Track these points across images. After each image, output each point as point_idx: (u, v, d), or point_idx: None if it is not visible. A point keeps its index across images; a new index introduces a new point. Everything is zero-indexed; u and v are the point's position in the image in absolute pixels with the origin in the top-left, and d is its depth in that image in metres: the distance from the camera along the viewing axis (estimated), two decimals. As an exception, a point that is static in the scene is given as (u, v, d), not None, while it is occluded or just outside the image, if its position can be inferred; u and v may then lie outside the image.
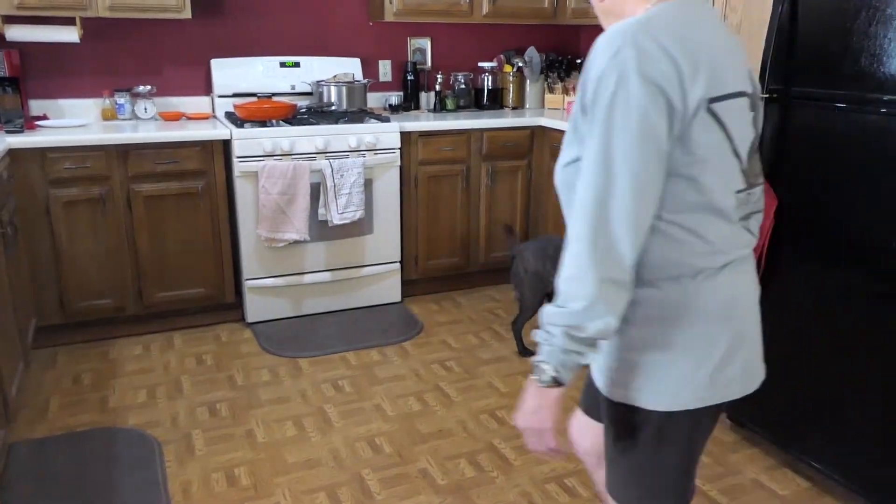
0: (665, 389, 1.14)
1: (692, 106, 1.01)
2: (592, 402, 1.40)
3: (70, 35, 3.23)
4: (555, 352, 1.07)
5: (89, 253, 3.08)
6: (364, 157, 3.38)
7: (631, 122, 0.99)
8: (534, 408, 1.14)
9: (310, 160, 3.27)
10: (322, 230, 3.39)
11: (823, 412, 2.18)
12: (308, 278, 3.45)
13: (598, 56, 1.03)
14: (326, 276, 3.49)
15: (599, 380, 1.24)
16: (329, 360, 3.09)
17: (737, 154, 1.09)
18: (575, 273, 1.04)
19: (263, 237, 3.27)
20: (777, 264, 2.27)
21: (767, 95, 2.21)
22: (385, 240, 3.57)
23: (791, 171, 2.21)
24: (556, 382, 1.09)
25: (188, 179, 3.18)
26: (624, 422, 1.20)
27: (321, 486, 2.23)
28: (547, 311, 1.08)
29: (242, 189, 3.22)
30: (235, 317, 3.47)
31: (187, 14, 3.26)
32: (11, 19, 3.14)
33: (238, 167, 3.19)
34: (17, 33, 3.15)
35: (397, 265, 3.66)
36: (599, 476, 1.48)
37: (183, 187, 3.17)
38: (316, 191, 3.31)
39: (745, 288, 1.17)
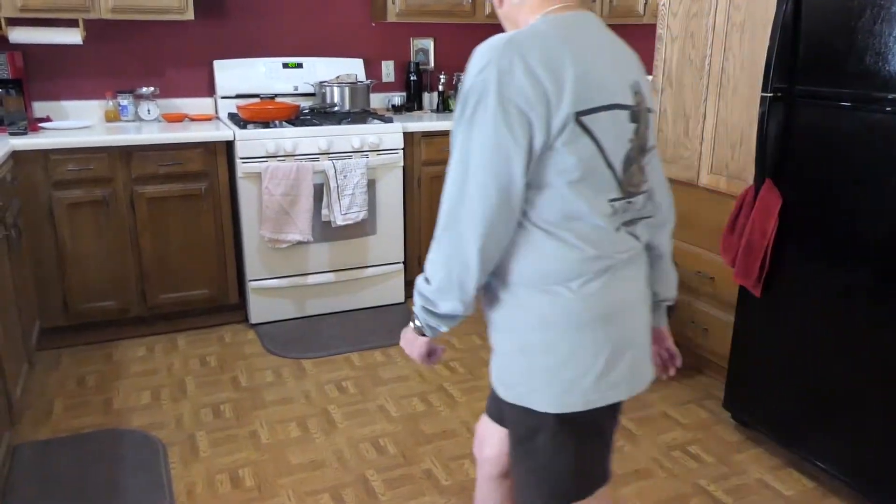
0: (555, 392, 1.18)
1: (558, 121, 1.06)
2: (497, 407, 1.42)
3: (73, 37, 3.23)
4: (419, 313, 1.23)
5: (93, 255, 3.09)
6: (367, 157, 3.38)
7: (486, 139, 1.06)
8: (409, 340, 1.30)
9: (313, 161, 3.27)
10: (325, 231, 3.39)
11: (829, 412, 2.17)
12: (311, 279, 3.45)
13: (470, 69, 1.10)
14: (330, 276, 3.49)
15: (495, 382, 1.28)
16: (333, 361, 3.09)
17: (609, 164, 1.13)
18: (433, 258, 1.17)
19: (267, 238, 3.27)
20: (782, 264, 2.26)
21: (772, 94, 2.20)
22: (388, 240, 3.57)
23: (795, 170, 2.20)
24: (422, 333, 1.26)
25: (191, 181, 3.18)
26: (521, 423, 1.25)
27: (325, 487, 2.22)
28: (417, 280, 1.22)
29: (246, 190, 3.22)
30: (239, 318, 3.47)
31: (190, 15, 3.26)
32: (14, 21, 3.14)
33: (241, 168, 3.19)
34: (20, 35, 3.16)
35: (401, 266, 3.66)
36: (486, 489, 1.55)
37: (186, 189, 3.18)
38: (319, 192, 3.31)
39: (628, 291, 1.21)
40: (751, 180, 2.37)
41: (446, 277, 1.15)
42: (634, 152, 1.17)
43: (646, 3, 3.37)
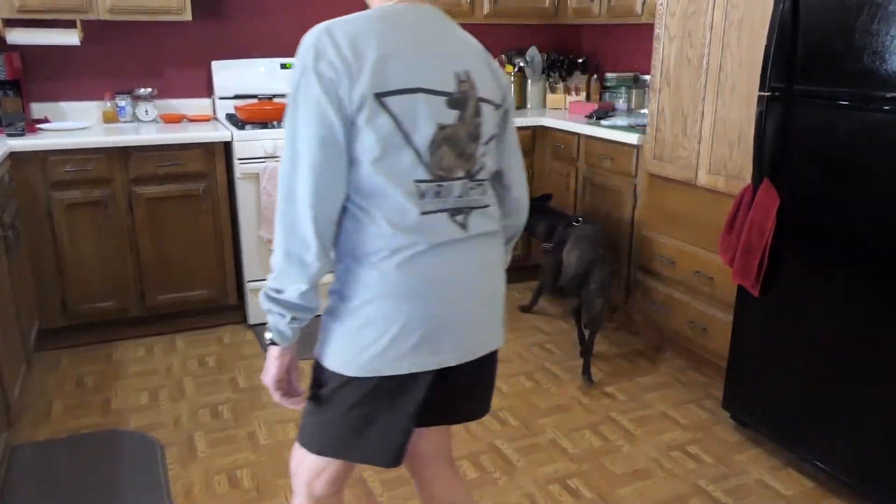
0: (343, 355, 1.26)
1: (357, 96, 1.14)
2: None
3: (71, 38, 3.23)
4: (268, 315, 1.25)
5: (91, 255, 3.08)
6: (365, 157, 3.37)
7: (309, 113, 1.15)
8: (265, 367, 1.33)
9: (311, 161, 3.26)
10: (324, 231, 3.38)
11: (828, 412, 2.17)
12: (310, 280, 3.44)
13: (299, 50, 1.19)
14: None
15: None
16: (331, 362, 3.08)
17: (411, 145, 1.18)
18: (274, 243, 1.22)
19: (265, 239, 3.27)
20: (780, 263, 2.26)
21: (770, 94, 2.20)
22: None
23: (794, 169, 2.20)
24: (272, 342, 1.28)
25: (189, 181, 3.18)
26: (314, 376, 1.33)
27: (324, 488, 2.22)
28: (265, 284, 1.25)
29: (244, 191, 3.22)
30: (237, 318, 3.47)
31: (188, 16, 3.26)
32: (12, 22, 3.14)
33: (239, 169, 3.19)
34: (17, 36, 3.16)
35: (399, 266, 3.65)
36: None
37: (184, 189, 3.17)
38: (317, 192, 3.30)
39: (442, 272, 1.24)
40: (749, 180, 2.37)
41: (285, 257, 1.19)
42: (454, 137, 1.22)
43: (644, 3, 3.36)
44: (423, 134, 1.19)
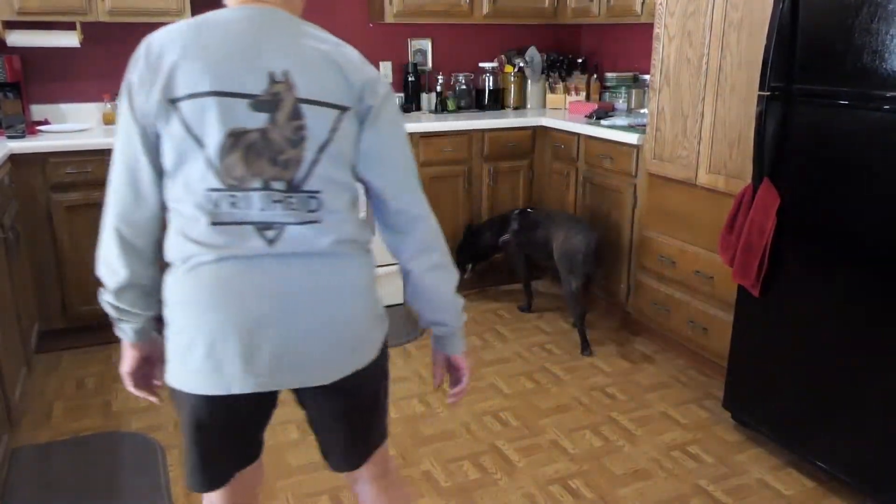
0: (169, 364, 1.24)
1: (153, 106, 1.12)
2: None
3: (70, 40, 3.23)
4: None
5: (92, 257, 3.02)
6: (365, 158, 3.37)
7: (120, 124, 1.17)
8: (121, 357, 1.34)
9: (311, 162, 3.26)
10: (324, 232, 3.38)
11: (829, 411, 2.17)
12: (310, 280, 3.44)
13: None
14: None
15: None
16: (332, 363, 3.08)
17: (204, 152, 1.12)
18: None
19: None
20: (780, 263, 2.26)
21: (769, 93, 2.20)
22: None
23: (794, 169, 2.20)
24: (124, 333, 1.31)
25: (190, 183, 3.18)
26: None
27: (324, 490, 2.22)
28: None
29: (244, 192, 3.22)
30: (238, 320, 3.46)
31: (188, 17, 3.26)
32: (12, 25, 3.15)
33: (239, 170, 3.18)
34: (17, 38, 3.16)
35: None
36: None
37: (184, 191, 3.17)
38: (317, 193, 3.30)
39: (231, 287, 1.15)
40: (749, 179, 2.37)
41: (100, 263, 1.24)
42: (259, 143, 1.12)
43: (643, 3, 3.36)
44: (213, 140, 1.12)
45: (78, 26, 3.24)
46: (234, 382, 1.18)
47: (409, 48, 4.10)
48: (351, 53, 1.20)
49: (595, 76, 4.12)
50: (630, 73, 3.95)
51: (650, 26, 3.07)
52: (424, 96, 4.10)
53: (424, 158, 3.58)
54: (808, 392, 2.22)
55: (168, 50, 1.13)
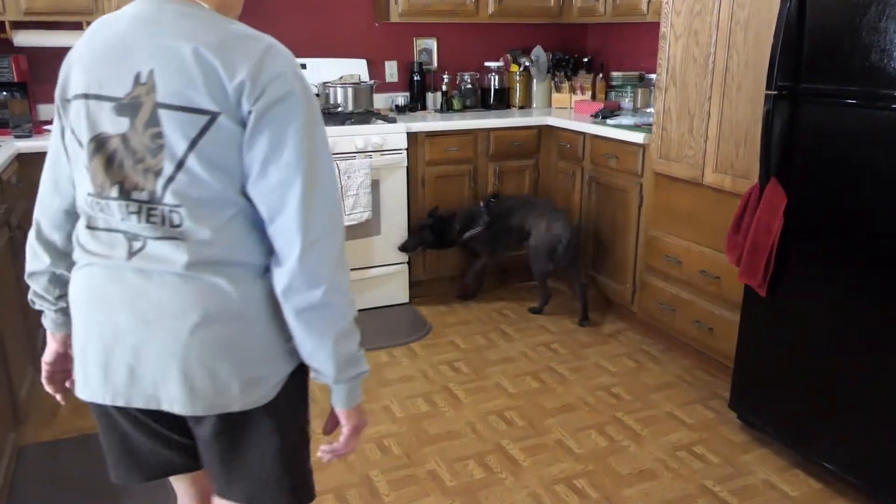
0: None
1: (57, 103, 1.13)
2: None
3: (77, 40, 3.24)
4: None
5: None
6: (371, 158, 3.38)
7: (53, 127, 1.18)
8: None
9: (316, 162, 3.27)
10: (329, 232, 3.38)
11: (836, 412, 2.16)
12: (316, 280, 3.44)
13: None
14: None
15: None
16: (337, 362, 3.08)
17: (84, 154, 1.09)
18: None
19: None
20: (787, 263, 2.25)
21: (776, 92, 2.19)
22: (393, 241, 3.57)
23: (801, 168, 2.19)
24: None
25: (195, 182, 3.18)
26: None
27: (330, 488, 2.22)
28: None
29: (249, 191, 3.22)
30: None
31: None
32: (19, 25, 3.16)
33: (245, 169, 3.18)
34: (24, 39, 3.17)
35: (405, 266, 3.66)
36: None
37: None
38: (323, 192, 3.30)
39: (95, 295, 1.11)
40: (756, 179, 2.36)
41: (27, 243, 1.27)
42: (119, 149, 1.04)
43: (649, 2, 3.35)
44: (85, 143, 1.08)
45: (85, 26, 3.24)
46: (97, 393, 1.14)
47: (414, 47, 4.10)
48: (245, 49, 1.04)
49: (601, 75, 4.11)
50: (636, 73, 3.94)
51: (656, 25, 3.06)
52: (430, 95, 4.10)
53: (429, 158, 3.58)
54: (816, 392, 2.21)
55: (74, 50, 1.12)
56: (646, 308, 3.24)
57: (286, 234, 1.05)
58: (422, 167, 3.58)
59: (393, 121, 3.53)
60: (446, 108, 4.03)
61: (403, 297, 3.70)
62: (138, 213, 1.05)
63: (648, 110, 3.58)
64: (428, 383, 2.90)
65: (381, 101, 3.98)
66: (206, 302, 1.06)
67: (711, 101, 2.72)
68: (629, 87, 3.90)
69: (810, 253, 2.19)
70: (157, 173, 1.03)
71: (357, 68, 3.84)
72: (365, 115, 3.55)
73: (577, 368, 3.03)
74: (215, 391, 1.09)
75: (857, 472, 2.12)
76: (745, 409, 2.53)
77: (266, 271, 1.09)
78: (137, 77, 1.02)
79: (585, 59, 4.25)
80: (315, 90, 3.69)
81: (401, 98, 4.03)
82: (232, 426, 1.14)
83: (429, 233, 3.54)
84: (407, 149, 3.48)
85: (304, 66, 3.73)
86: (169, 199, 1.04)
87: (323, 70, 3.75)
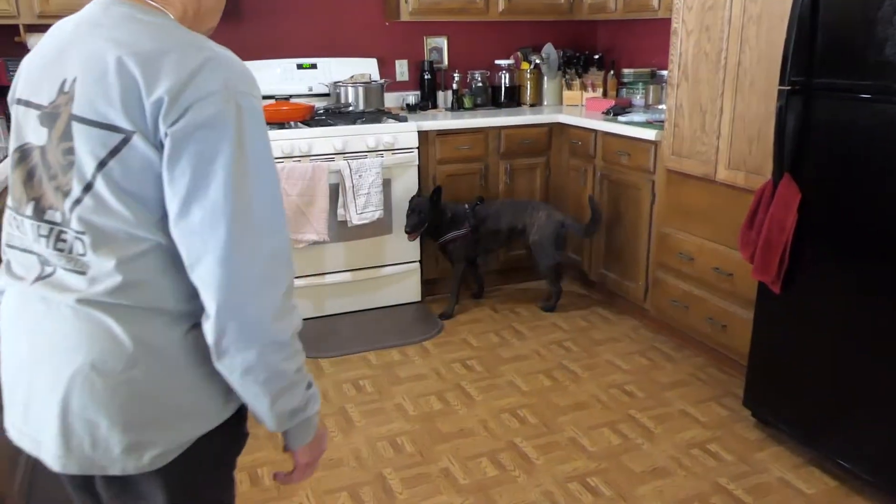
0: None
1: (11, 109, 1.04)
2: None
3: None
4: None
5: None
6: (382, 157, 3.39)
7: None
8: None
9: (328, 161, 3.28)
10: (341, 231, 3.40)
11: (851, 409, 2.14)
12: (328, 279, 3.47)
13: None
14: (347, 276, 3.50)
15: None
16: (350, 361, 3.10)
17: (10, 165, 1.00)
18: None
19: (291, 240, 3.28)
20: (801, 259, 2.24)
21: (789, 87, 2.17)
22: (404, 239, 3.57)
23: (814, 164, 2.17)
24: None
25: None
26: None
27: (343, 486, 2.23)
28: None
29: (262, 191, 3.24)
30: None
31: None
32: (33, 28, 3.19)
33: (257, 169, 3.20)
34: (38, 42, 3.19)
35: (417, 265, 3.66)
36: None
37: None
38: (335, 192, 3.32)
39: (8, 318, 1.01)
40: (769, 175, 2.34)
41: None
42: (37, 163, 0.95)
43: (661, -2, 3.34)
44: (10, 152, 0.99)
45: (98, 28, 3.27)
46: (7, 424, 1.01)
47: (424, 46, 4.10)
48: (178, 60, 0.88)
49: (612, 72, 4.09)
50: (647, 69, 3.92)
51: (667, 21, 3.05)
52: (440, 94, 4.10)
53: (441, 156, 3.58)
54: (830, 389, 2.20)
55: (30, 52, 1.05)
56: (659, 305, 3.23)
57: (208, 287, 0.89)
58: (433, 166, 3.59)
59: (404, 119, 3.54)
60: (457, 106, 4.03)
61: (415, 295, 3.70)
62: (48, 236, 0.94)
63: (660, 107, 3.56)
64: (441, 381, 2.91)
65: (391, 100, 3.99)
66: (95, 345, 0.91)
67: (724, 96, 2.71)
68: (640, 83, 3.88)
69: (824, 249, 2.18)
70: (66, 193, 0.91)
71: (368, 67, 3.85)
72: (376, 114, 3.56)
73: (589, 366, 3.03)
74: (93, 448, 0.93)
75: (873, 470, 2.10)
76: (759, 407, 2.52)
77: (185, 318, 0.95)
78: (62, 85, 0.92)
79: (596, 56, 4.23)
80: (326, 90, 3.70)
81: (411, 97, 4.03)
82: (118, 491, 0.99)
83: (427, 204, 3.37)
84: (418, 147, 3.49)
85: (314, 66, 3.75)
86: (75, 223, 0.91)
87: (334, 69, 3.76)
